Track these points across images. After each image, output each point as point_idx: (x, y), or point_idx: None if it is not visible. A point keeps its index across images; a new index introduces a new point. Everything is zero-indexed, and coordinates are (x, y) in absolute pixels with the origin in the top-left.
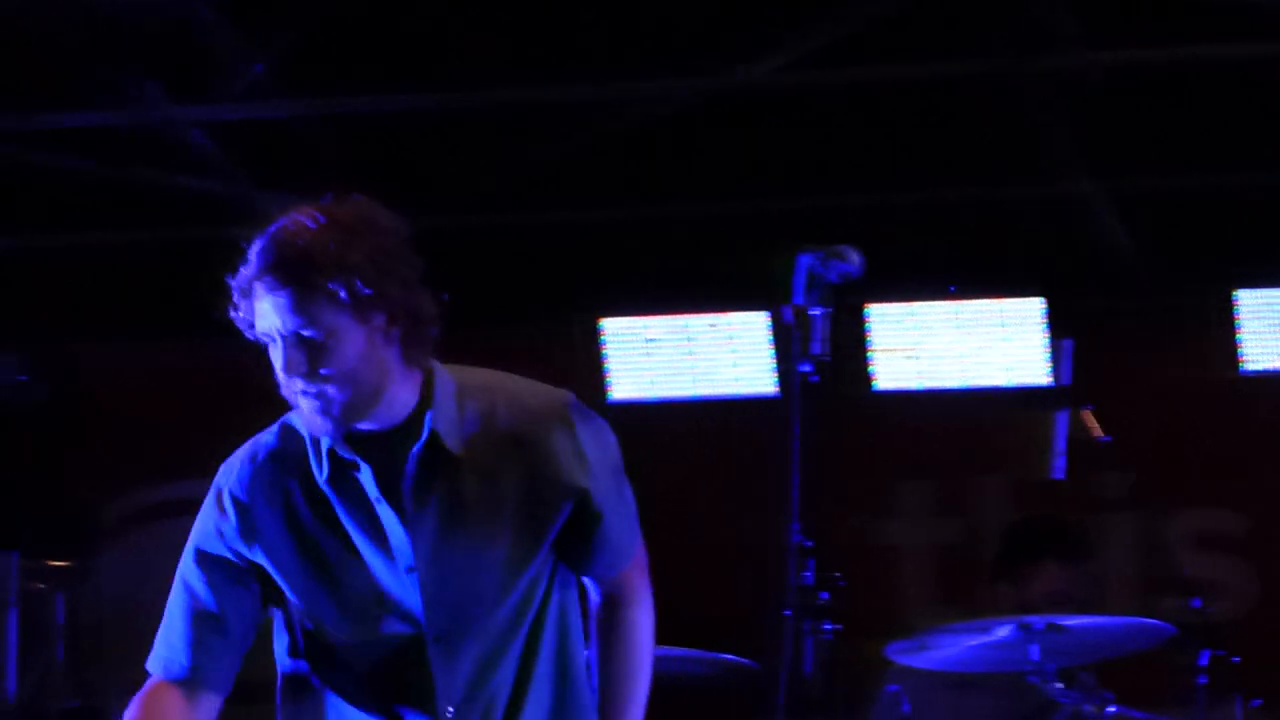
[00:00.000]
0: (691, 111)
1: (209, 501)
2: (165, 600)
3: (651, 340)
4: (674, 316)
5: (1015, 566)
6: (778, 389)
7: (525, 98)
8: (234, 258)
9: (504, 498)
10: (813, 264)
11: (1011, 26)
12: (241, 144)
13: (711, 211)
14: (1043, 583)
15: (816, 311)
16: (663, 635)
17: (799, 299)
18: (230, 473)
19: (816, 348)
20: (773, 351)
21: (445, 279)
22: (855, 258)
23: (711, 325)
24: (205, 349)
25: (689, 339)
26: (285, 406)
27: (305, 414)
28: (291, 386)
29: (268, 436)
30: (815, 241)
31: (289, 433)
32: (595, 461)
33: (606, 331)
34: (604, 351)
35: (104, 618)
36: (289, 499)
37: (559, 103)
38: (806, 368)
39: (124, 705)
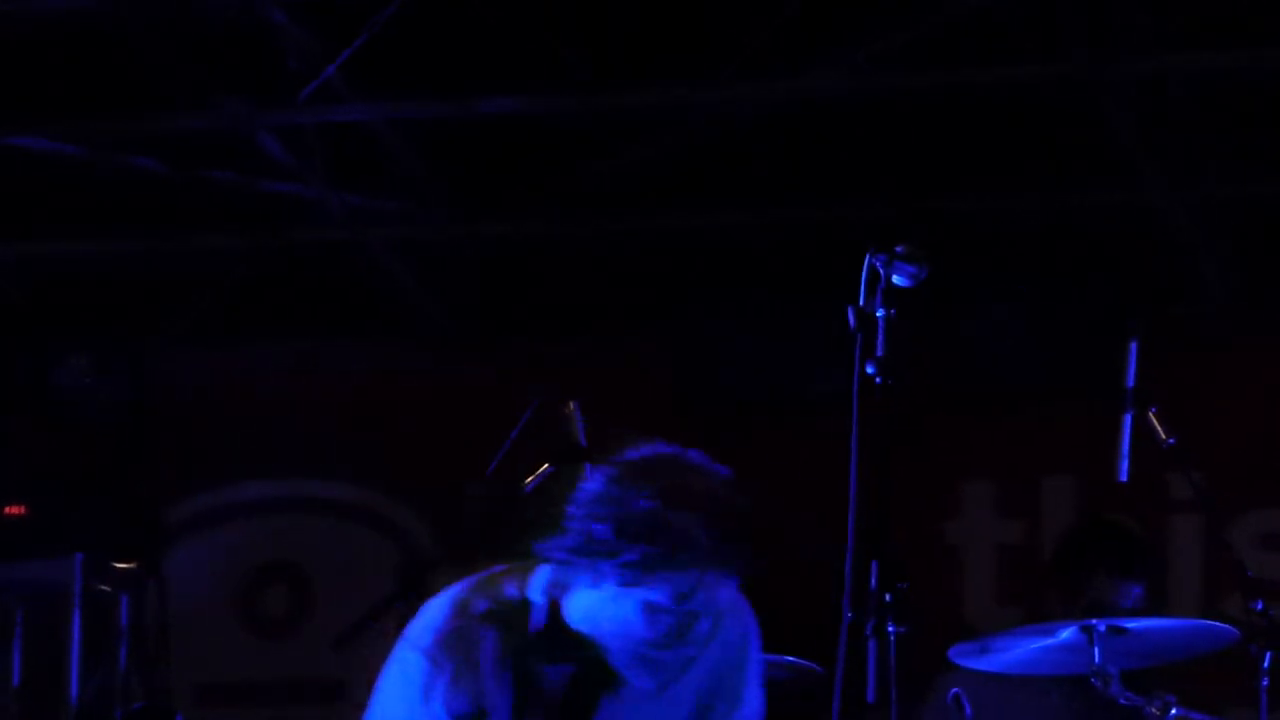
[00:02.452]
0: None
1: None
2: (226, 602)
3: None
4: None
5: (1068, 573)
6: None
7: (600, 103)
8: (307, 262)
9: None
10: (878, 265)
11: (1090, 30)
12: (316, 147)
13: (779, 216)
14: (1093, 593)
15: (880, 313)
16: None
17: (863, 300)
18: (465, 637)
19: (880, 349)
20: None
21: (510, 286)
22: (921, 260)
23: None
24: (270, 354)
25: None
26: (353, 413)
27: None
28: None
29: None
30: (883, 243)
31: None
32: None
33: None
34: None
35: (168, 620)
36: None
37: (634, 107)
38: (870, 370)
39: (186, 707)
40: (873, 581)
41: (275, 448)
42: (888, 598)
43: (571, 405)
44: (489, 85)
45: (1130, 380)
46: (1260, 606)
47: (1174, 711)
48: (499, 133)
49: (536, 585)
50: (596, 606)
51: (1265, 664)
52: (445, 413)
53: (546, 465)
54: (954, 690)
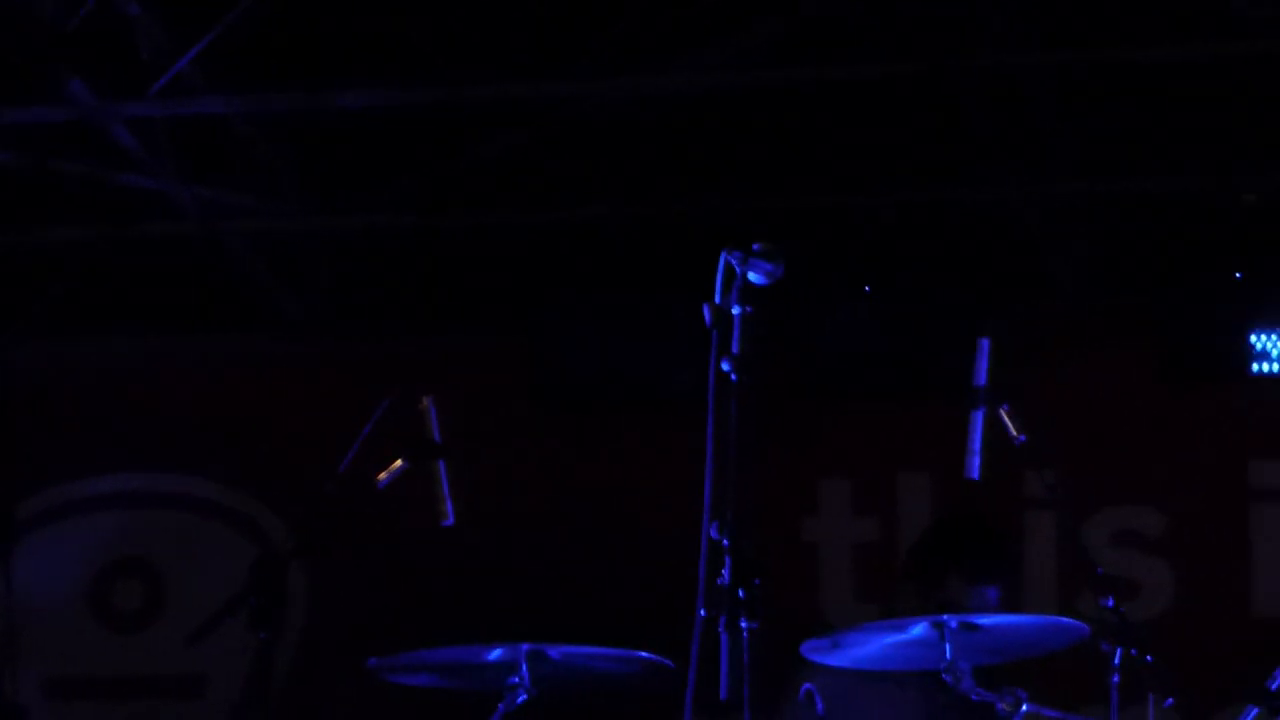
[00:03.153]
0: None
1: None
2: (79, 597)
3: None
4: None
5: (921, 576)
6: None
7: (457, 97)
8: (161, 255)
9: None
10: (734, 263)
11: (942, 27)
12: (169, 140)
13: (636, 212)
14: (946, 595)
15: (736, 310)
16: (582, 632)
17: (719, 298)
18: None
19: (735, 346)
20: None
21: (367, 279)
22: (777, 258)
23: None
24: (124, 348)
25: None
26: (207, 408)
27: None
28: None
29: None
30: (741, 241)
31: None
32: None
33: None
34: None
35: (15, 615)
36: None
37: (491, 101)
38: (725, 366)
39: (36, 702)
40: (727, 577)
41: (128, 442)
42: (742, 593)
43: (426, 401)
44: (345, 78)
45: (981, 378)
46: (1111, 604)
47: (1025, 708)
48: (355, 126)
49: None
50: None
51: (1116, 661)
52: (299, 407)
53: (401, 461)
54: (806, 686)
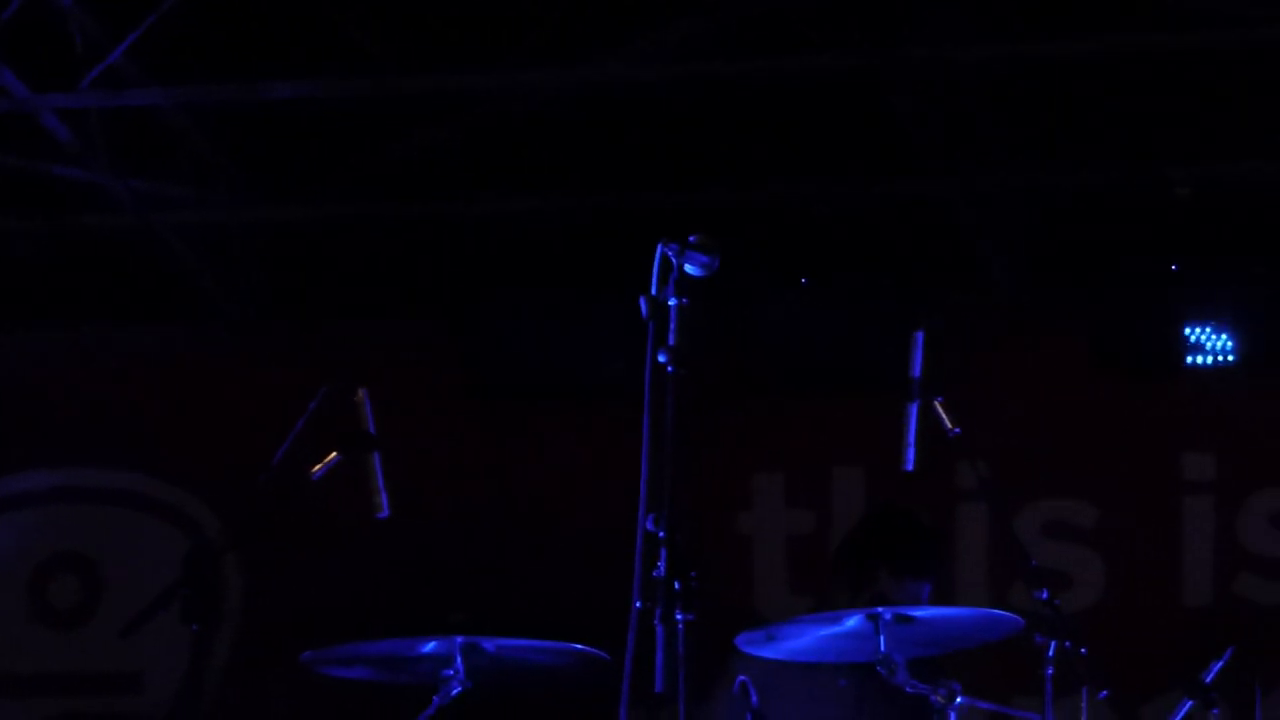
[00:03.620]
0: (552, 106)
1: None
2: (13, 593)
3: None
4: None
5: (852, 569)
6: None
7: (391, 88)
8: (94, 247)
9: None
10: (670, 255)
11: (876, 23)
12: (103, 132)
13: (571, 204)
14: (875, 589)
15: (673, 302)
16: (518, 625)
17: (655, 290)
18: None
19: (671, 338)
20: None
21: (300, 271)
22: (713, 250)
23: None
24: (57, 340)
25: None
26: (141, 401)
27: None
28: None
29: None
30: (675, 234)
31: None
32: None
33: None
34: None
35: None
36: None
37: (425, 93)
38: (662, 358)
39: None
40: (663, 570)
41: (62, 436)
42: (677, 586)
43: (361, 393)
44: (279, 69)
45: (916, 370)
46: (1045, 595)
47: (959, 700)
48: (289, 117)
49: None
50: None
51: (1050, 653)
52: (234, 400)
53: (335, 454)
54: (740, 678)
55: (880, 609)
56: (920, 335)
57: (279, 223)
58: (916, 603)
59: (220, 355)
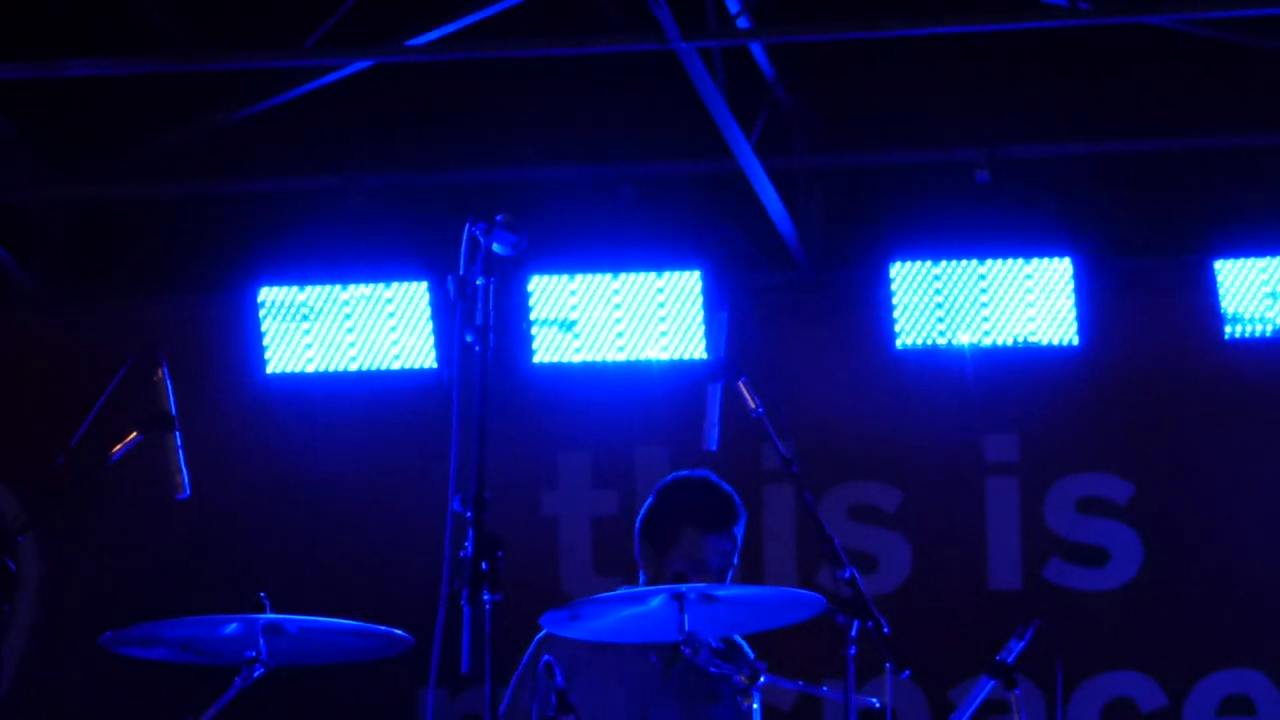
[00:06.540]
0: (356, 81)
1: None
2: None
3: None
4: (333, 287)
5: (655, 535)
6: (439, 363)
7: (180, 67)
8: None
9: None
10: (477, 235)
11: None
12: None
13: (376, 183)
14: (682, 552)
15: (480, 282)
16: (326, 608)
17: (463, 269)
18: None
19: (479, 318)
20: (434, 324)
21: (99, 249)
22: (520, 229)
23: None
24: None
25: (349, 311)
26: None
27: None
28: None
29: None
30: (481, 213)
31: None
32: None
33: (265, 302)
34: (262, 323)
35: None
36: None
37: (215, 73)
38: (469, 337)
39: None
40: (469, 550)
41: None
42: (484, 566)
43: (161, 373)
44: (74, 47)
45: (720, 350)
46: (848, 576)
47: (763, 679)
48: (88, 94)
49: None
50: None
51: (853, 633)
52: (31, 379)
53: (135, 434)
54: (545, 658)
55: (685, 587)
56: (725, 314)
57: (76, 199)
58: (725, 561)
59: (17, 333)
